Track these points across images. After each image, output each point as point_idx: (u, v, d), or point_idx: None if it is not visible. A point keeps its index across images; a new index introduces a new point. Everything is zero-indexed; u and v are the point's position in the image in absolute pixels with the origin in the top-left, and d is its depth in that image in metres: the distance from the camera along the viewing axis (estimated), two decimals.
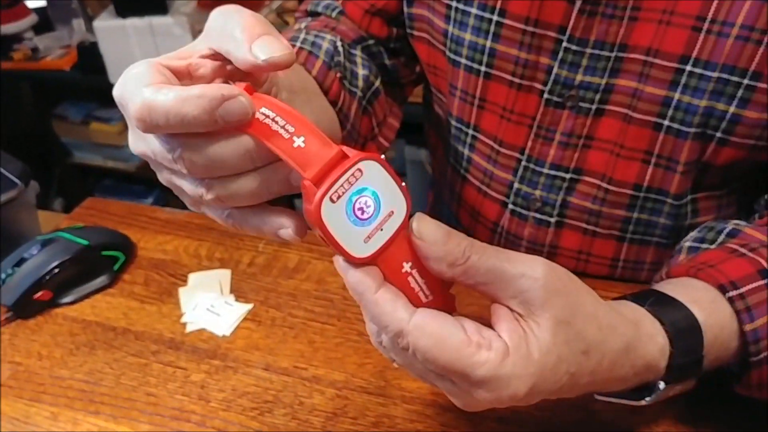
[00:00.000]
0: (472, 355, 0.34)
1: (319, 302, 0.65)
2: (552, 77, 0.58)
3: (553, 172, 0.61)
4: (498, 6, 0.58)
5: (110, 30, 1.63)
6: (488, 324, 0.37)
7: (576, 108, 0.58)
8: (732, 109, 0.52)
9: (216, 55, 0.37)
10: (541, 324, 0.36)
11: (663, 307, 0.42)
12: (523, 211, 0.65)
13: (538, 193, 0.63)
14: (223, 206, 0.37)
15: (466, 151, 0.67)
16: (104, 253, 0.68)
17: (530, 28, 0.57)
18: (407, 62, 0.71)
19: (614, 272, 0.66)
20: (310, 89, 0.55)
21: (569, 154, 0.60)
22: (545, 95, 0.59)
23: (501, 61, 0.60)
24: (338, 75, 0.59)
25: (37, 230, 0.76)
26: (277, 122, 0.34)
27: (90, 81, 1.76)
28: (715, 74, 0.52)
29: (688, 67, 0.52)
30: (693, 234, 0.55)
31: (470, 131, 0.66)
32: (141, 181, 2.00)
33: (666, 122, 0.55)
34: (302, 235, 0.36)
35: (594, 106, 0.57)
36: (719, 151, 0.55)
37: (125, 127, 1.94)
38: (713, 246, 0.51)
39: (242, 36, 0.34)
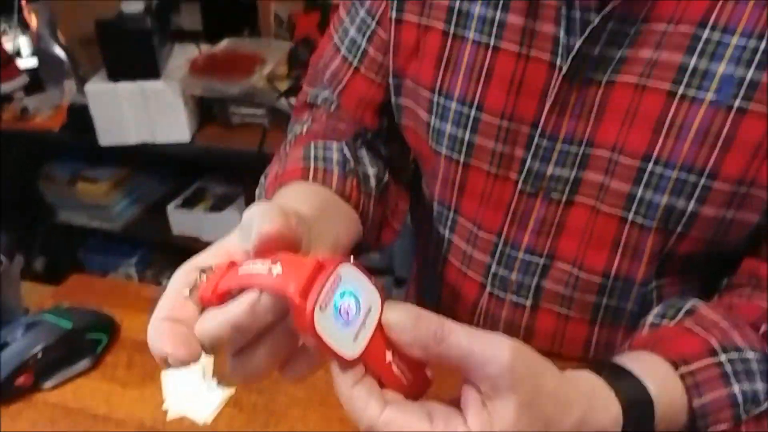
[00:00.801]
0: None
1: (299, 387, 0.65)
2: (525, 168, 0.60)
3: (527, 257, 0.63)
4: (476, 101, 0.60)
5: (102, 93, 1.65)
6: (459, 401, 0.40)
7: (548, 198, 0.60)
8: (691, 206, 0.54)
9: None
10: (506, 406, 0.38)
11: (618, 378, 0.44)
12: (501, 294, 0.66)
13: (514, 276, 0.65)
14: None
15: (446, 233, 0.69)
16: (88, 335, 0.68)
17: (505, 123, 0.60)
18: (402, 148, 0.73)
19: (587, 354, 0.67)
20: (332, 204, 0.58)
21: (542, 240, 0.62)
22: (519, 185, 0.61)
23: (479, 152, 0.62)
24: (354, 182, 0.62)
25: (20, 304, 0.77)
26: (254, 265, 0.37)
27: (79, 141, 1.77)
28: (675, 173, 0.54)
29: (650, 166, 0.55)
30: (655, 310, 0.57)
31: (451, 214, 0.68)
32: (126, 241, 2.00)
33: (630, 216, 0.57)
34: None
35: (564, 197, 0.60)
36: (680, 244, 0.57)
37: (113, 186, 1.98)
38: (672, 322, 0.54)
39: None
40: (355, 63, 0.71)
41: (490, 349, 0.38)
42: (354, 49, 0.70)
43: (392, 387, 0.39)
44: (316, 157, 0.63)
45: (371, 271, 0.38)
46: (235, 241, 0.43)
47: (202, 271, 0.41)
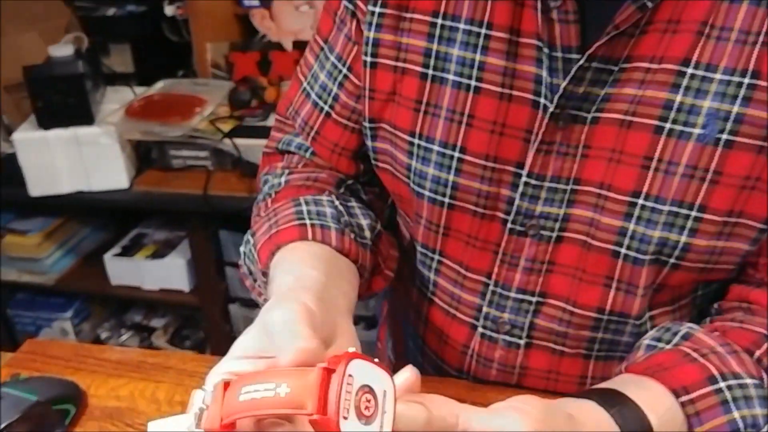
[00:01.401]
0: None
1: None
2: (514, 208, 0.60)
3: (519, 296, 0.63)
4: (459, 143, 0.60)
5: (31, 141, 1.57)
6: None
7: (537, 236, 0.60)
8: (683, 238, 0.55)
9: None
10: None
11: (625, 415, 0.47)
12: (493, 334, 0.65)
13: (506, 316, 0.64)
14: None
15: (432, 275, 0.68)
16: (54, 406, 0.63)
17: (490, 164, 0.59)
18: (381, 192, 0.72)
19: (583, 389, 0.67)
20: (336, 264, 0.59)
21: (534, 279, 0.62)
22: (508, 225, 0.60)
23: (463, 193, 0.61)
24: (352, 236, 0.62)
25: None
26: (255, 388, 0.36)
27: (6, 193, 1.68)
28: (666, 207, 0.54)
29: (640, 201, 0.55)
30: (651, 333, 0.58)
31: (436, 256, 0.66)
32: (59, 294, 1.90)
33: (623, 250, 0.57)
34: None
35: (554, 234, 0.59)
36: (672, 275, 0.58)
37: (44, 239, 1.88)
38: (668, 346, 0.55)
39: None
40: (326, 109, 0.69)
41: (509, 429, 0.41)
42: (325, 95, 0.69)
43: None
44: (309, 213, 0.62)
45: None
46: (252, 343, 0.44)
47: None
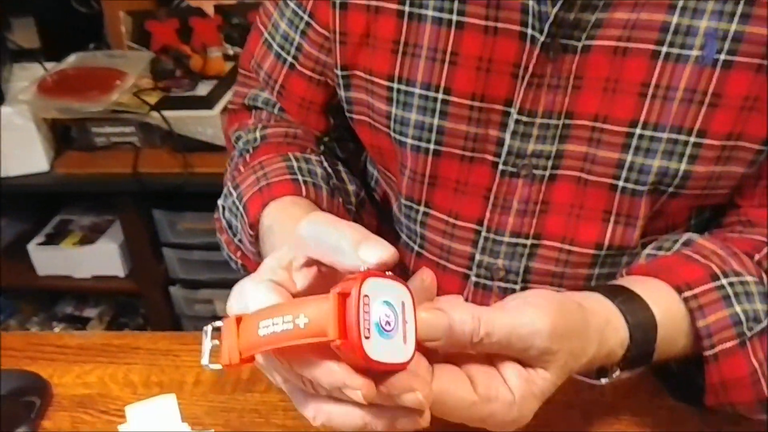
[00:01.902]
0: (481, 412, 0.40)
1: (290, 414, 0.58)
2: (505, 149, 0.57)
3: (513, 240, 0.61)
4: (442, 84, 0.57)
5: None
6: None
7: (530, 176, 0.58)
8: (683, 166, 0.54)
9: (310, 261, 0.42)
10: (548, 370, 0.42)
11: (629, 305, 0.48)
12: (488, 282, 0.63)
13: (500, 262, 0.62)
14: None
15: (419, 229, 0.65)
16: (20, 399, 0.57)
17: (477, 104, 0.57)
18: (356, 149, 0.70)
19: None
20: None
21: (527, 221, 0.60)
22: (500, 166, 0.58)
23: (450, 137, 0.58)
24: (340, 200, 0.61)
25: None
26: (273, 323, 0.36)
27: None
28: (665, 135, 0.53)
29: (638, 131, 0.54)
30: (652, 244, 0.59)
31: (422, 208, 0.64)
32: None
33: (621, 183, 0.56)
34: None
35: (547, 173, 0.57)
36: (670, 203, 0.57)
37: None
38: (669, 253, 0.56)
39: (348, 247, 0.38)
40: (290, 60, 0.65)
41: (531, 328, 0.41)
42: (287, 46, 0.65)
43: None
44: (301, 170, 0.60)
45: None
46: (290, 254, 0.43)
47: (214, 329, 0.40)
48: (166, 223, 1.62)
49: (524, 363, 0.42)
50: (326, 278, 0.42)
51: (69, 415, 0.59)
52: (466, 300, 0.65)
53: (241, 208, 0.59)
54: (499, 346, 0.41)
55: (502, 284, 0.63)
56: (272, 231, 0.54)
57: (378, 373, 0.36)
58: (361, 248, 0.38)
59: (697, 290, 0.50)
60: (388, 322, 0.36)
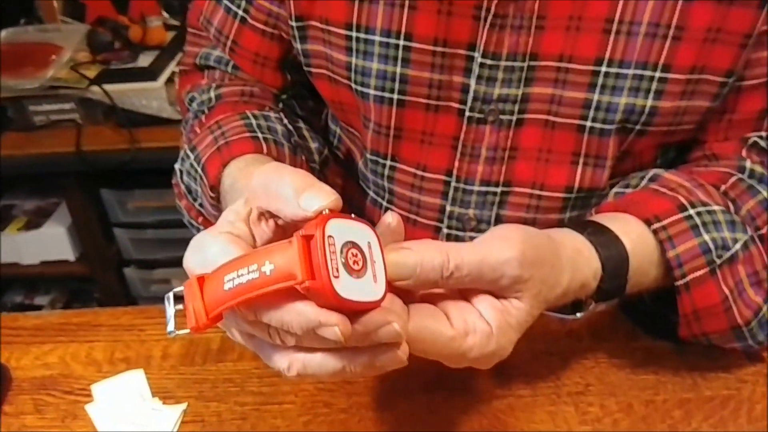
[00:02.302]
0: (460, 347, 0.40)
1: (266, 381, 0.57)
2: (470, 94, 0.56)
3: (483, 189, 0.60)
4: (403, 30, 0.55)
5: None
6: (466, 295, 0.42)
7: (497, 122, 0.57)
8: (649, 102, 0.54)
9: (266, 213, 0.40)
10: (522, 299, 0.42)
11: (599, 237, 0.48)
12: (459, 233, 0.62)
13: (471, 212, 0.61)
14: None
15: (385, 183, 0.63)
16: None
17: (440, 49, 0.55)
18: (315, 107, 0.67)
19: None
20: None
21: (497, 168, 0.59)
22: (466, 113, 0.57)
23: (413, 86, 0.57)
24: (303, 158, 0.59)
25: None
26: (238, 275, 0.34)
27: None
28: (630, 71, 0.53)
29: (604, 68, 0.53)
30: (619, 183, 0.60)
31: (388, 162, 0.62)
32: None
33: (588, 123, 0.56)
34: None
35: (514, 117, 0.57)
36: (638, 141, 0.57)
37: None
38: (636, 189, 0.56)
39: (290, 195, 0.37)
40: (240, 14, 0.62)
41: (500, 257, 0.40)
42: None
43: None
44: (260, 127, 0.58)
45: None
46: (245, 208, 0.41)
47: (176, 296, 0.39)
48: (115, 202, 1.56)
49: (497, 295, 0.42)
50: (286, 232, 0.40)
51: (31, 398, 0.57)
52: None
53: (199, 170, 0.57)
54: (470, 278, 0.40)
55: (474, 234, 0.62)
56: (234, 189, 0.52)
57: (350, 314, 0.35)
58: (302, 196, 0.36)
59: (665, 221, 0.50)
60: (356, 262, 0.35)
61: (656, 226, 0.50)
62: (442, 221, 0.62)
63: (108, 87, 1.42)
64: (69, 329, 0.63)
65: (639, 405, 0.53)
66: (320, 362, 0.36)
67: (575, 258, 0.46)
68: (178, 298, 0.39)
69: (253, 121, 0.59)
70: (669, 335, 0.54)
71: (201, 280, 0.36)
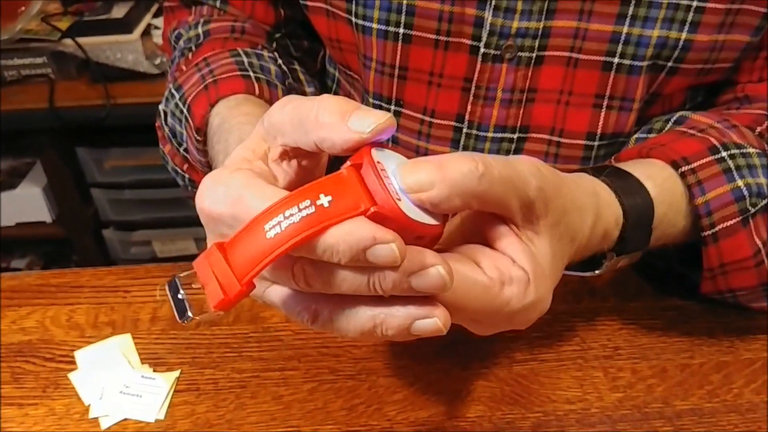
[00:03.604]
0: (497, 296, 0.34)
1: (265, 345, 0.52)
2: (486, 28, 0.51)
3: (498, 135, 0.55)
4: None
5: None
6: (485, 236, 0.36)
7: (515, 59, 0.52)
8: (684, 35, 0.49)
9: (287, 152, 0.35)
10: (539, 233, 0.35)
11: (618, 179, 0.43)
12: None
13: None
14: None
15: None
16: None
17: None
18: (311, 48, 0.62)
19: None
20: None
21: (514, 112, 0.54)
22: (481, 50, 0.52)
23: (421, 18, 0.51)
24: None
25: None
26: (290, 217, 0.29)
27: None
28: (665, 0, 0.48)
29: None
30: (641, 128, 0.55)
31: (392, 107, 0.57)
32: None
33: (616, 60, 0.51)
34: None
35: (534, 54, 0.52)
36: (668, 81, 0.53)
37: None
38: (662, 133, 0.52)
39: (334, 119, 0.31)
40: None
41: (523, 165, 0.34)
42: None
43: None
44: (252, 66, 0.52)
45: None
46: (263, 145, 0.35)
47: (182, 283, 0.34)
48: (91, 161, 1.49)
49: (518, 224, 0.35)
50: (312, 173, 0.36)
51: (8, 366, 0.51)
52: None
53: (185, 110, 0.51)
54: (501, 180, 0.32)
55: None
56: (222, 130, 0.47)
57: (419, 237, 0.31)
58: (352, 118, 0.31)
59: (695, 164, 0.46)
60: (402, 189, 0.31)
61: (684, 168, 0.45)
62: None
63: (81, 40, 1.35)
64: (48, 291, 0.58)
65: (674, 369, 0.49)
66: (350, 314, 0.31)
67: (595, 201, 0.40)
68: (184, 281, 0.34)
69: (245, 59, 0.54)
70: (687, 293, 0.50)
71: (222, 246, 0.31)
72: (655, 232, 0.44)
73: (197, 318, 0.33)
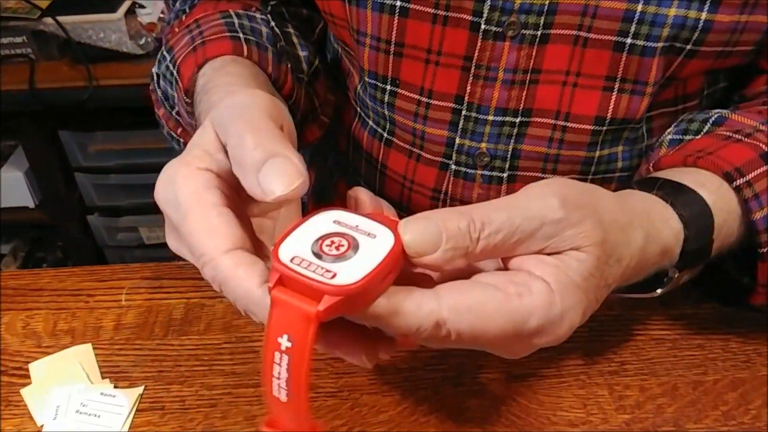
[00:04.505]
0: (517, 310, 0.31)
1: (238, 358, 0.48)
2: (487, 3, 0.46)
3: (499, 118, 0.51)
4: None
5: None
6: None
7: (518, 37, 0.47)
8: (704, 15, 0.45)
9: None
10: (581, 249, 0.33)
11: (673, 191, 0.40)
12: (469, 170, 0.54)
13: (484, 146, 0.52)
14: None
15: (386, 111, 0.54)
16: None
17: None
18: (309, 17, 0.58)
19: None
20: (273, 92, 0.46)
21: (516, 93, 0.50)
22: (482, 26, 0.47)
23: None
24: (288, 66, 0.50)
25: None
26: (279, 363, 0.28)
27: None
28: None
29: None
30: (671, 129, 0.51)
31: (388, 86, 0.53)
32: None
33: (629, 40, 0.46)
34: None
35: (539, 32, 0.47)
36: (686, 64, 0.48)
37: None
38: (699, 136, 0.47)
39: (249, 162, 0.31)
40: None
41: (534, 203, 0.32)
42: None
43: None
44: (242, 27, 0.49)
45: None
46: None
47: None
48: (75, 145, 1.44)
49: (552, 254, 0.33)
50: None
51: None
52: (445, 195, 0.56)
53: (175, 72, 0.49)
54: (503, 236, 0.31)
55: (487, 172, 0.53)
56: (206, 90, 0.43)
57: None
58: (263, 171, 0.30)
59: (750, 176, 0.41)
60: (337, 246, 0.29)
61: (740, 182, 0.41)
62: (449, 156, 0.53)
63: (62, 18, 1.28)
64: (4, 294, 0.53)
65: (685, 387, 0.44)
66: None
67: (646, 216, 0.37)
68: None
69: (235, 20, 0.50)
70: (732, 300, 0.46)
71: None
72: (715, 242, 0.41)
73: None
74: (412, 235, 0.30)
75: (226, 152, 0.34)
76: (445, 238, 0.30)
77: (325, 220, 0.30)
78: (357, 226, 0.30)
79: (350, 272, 0.28)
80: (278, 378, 0.28)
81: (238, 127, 0.33)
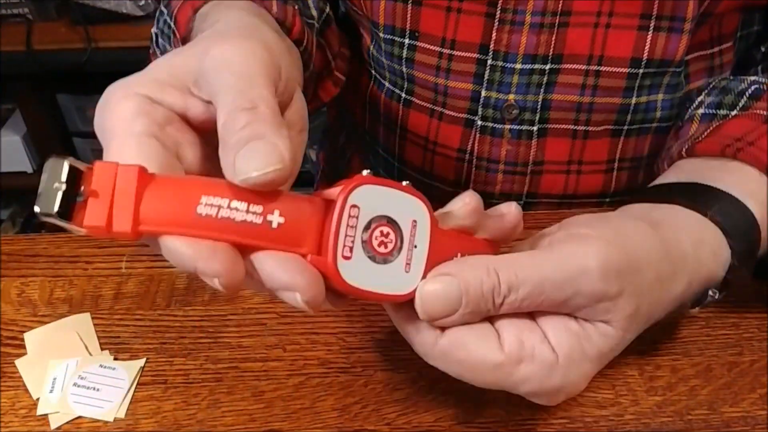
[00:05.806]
0: (509, 376, 0.31)
1: (245, 330, 0.45)
2: None
3: (528, 66, 0.48)
4: None
5: None
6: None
7: None
8: None
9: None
10: (610, 323, 0.32)
11: (728, 216, 0.38)
12: (497, 125, 0.51)
13: (512, 97, 0.50)
14: None
15: (404, 68, 0.51)
16: None
17: None
18: None
19: (609, 178, 0.55)
20: (279, 39, 0.40)
21: (545, 38, 0.47)
22: None
23: None
24: (296, 7, 0.47)
25: None
26: (233, 211, 0.27)
27: None
28: None
29: None
30: (703, 98, 0.47)
31: (407, 40, 0.50)
32: None
33: None
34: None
35: None
36: (721, 1, 0.46)
37: None
38: (735, 112, 0.44)
39: (230, 140, 0.26)
40: None
41: (571, 268, 0.30)
42: None
43: None
44: None
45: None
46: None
47: (68, 171, 0.27)
48: (73, 108, 1.41)
49: (579, 318, 0.32)
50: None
51: None
52: (471, 154, 0.53)
53: (172, 23, 0.45)
54: (531, 302, 0.30)
55: (516, 126, 0.51)
56: (205, 20, 0.39)
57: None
58: (241, 153, 0.26)
59: None
60: (383, 243, 0.29)
61: None
62: (475, 112, 0.51)
63: None
64: None
65: (720, 368, 0.42)
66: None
67: (696, 253, 0.36)
68: (72, 170, 0.27)
69: None
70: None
71: (145, 177, 0.27)
72: (759, 255, 0.39)
73: (56, 220, 0.27)
74: (430, 299, 0.29)
75: (181, 95, 0.30)
76: (464, 302, 0.30)
77: (404, 203, 0.30)
78: (414, 222, 0.30)
79: (358, 268, 0.29)
80: (227, 208, 0.27)
81: (230, 97, 0.28)
